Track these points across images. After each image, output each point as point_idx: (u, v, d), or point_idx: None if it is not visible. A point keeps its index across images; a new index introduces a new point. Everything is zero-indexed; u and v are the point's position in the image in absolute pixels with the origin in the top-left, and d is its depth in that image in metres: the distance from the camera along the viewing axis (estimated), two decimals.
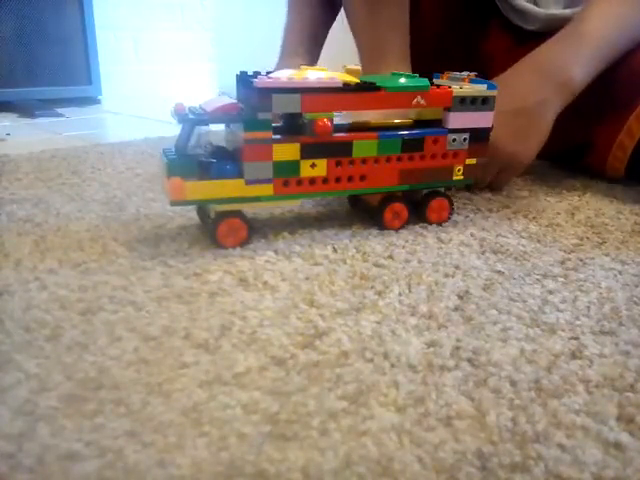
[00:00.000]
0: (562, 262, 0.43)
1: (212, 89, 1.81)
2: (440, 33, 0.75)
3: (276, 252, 0.43)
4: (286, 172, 0.44)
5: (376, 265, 0.42)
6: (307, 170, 0.45)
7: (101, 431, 0.24)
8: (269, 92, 0.41)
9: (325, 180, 0.46)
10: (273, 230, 0.48)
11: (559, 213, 0.55)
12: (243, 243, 0.44)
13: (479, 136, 0.50)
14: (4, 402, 0.26)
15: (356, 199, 0.54)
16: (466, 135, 0.49)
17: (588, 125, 0.65)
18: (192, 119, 0.41)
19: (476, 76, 0.51)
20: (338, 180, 0.46)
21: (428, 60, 0.65)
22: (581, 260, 0.44)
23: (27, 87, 1.34)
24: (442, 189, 0.51)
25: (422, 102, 0.46)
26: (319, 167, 0.45)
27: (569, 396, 0.27)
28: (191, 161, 0.42)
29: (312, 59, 0.92)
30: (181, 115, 0.41)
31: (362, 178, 0.47)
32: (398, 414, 0.26)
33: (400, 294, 0.37)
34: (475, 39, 0.76)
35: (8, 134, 0.98)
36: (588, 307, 0.36)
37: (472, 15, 0.76)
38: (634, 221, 0.53)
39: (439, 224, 0.51)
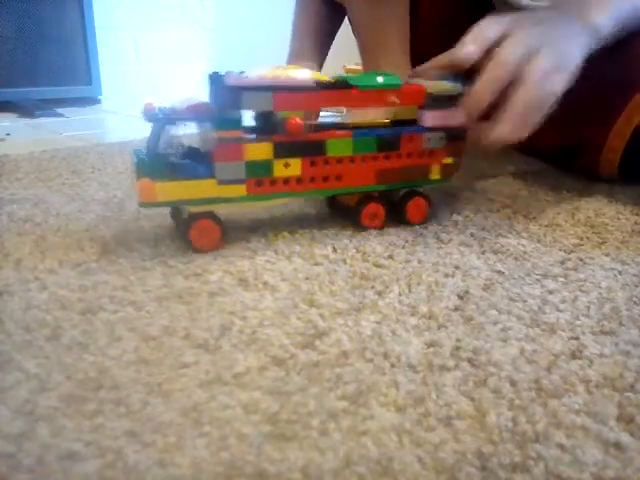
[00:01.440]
0: (562, 262, 0.43)
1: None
2: (437, 30, 0.75)
3: (276, 252, 0.43)
4: (259, 172, 0.43)
5: (376, 265, 0.42)
6: (281, 170, 0.44)
7: (101, 431, 0.24)
8: (239, 90, 0.41)
9: (299, 180, 0.45)
10: (273, 230, 0.48)
11: (559, 213, 0.55)
12: (217, 246, 0.44)
13: (456, 135, 0.49)
14: (4, 402, 0.26)
15: (333, 200, 0.53)
16: (442, 134, 0.48)
17: (579, 126, 0.65)
18: (160, 118, 0.41)
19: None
20: (313, 180, 0.45)
21: (425, 57, 0.65)
22: (581, 260, 0.44)
23: (27, 87, 1.34)
24: (420, 189, 0.51)
25: (396, 100, 0.46)
26: (293, 166, 0.44)
27: (569, 396, 0.27)
28: (161, 161, 0.41)
29: (320, 58, 0.91)
30: (150, 114, 0.41)
31: (338, 178, 0.46)
32: (398, 414, 0.26)
33: (400, 294, 0.37)
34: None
35: (8, 134, 0.98)
36: (588, 307, 0.36)
37: (468, 11, 0.76)
38: (634, 221, 0.53)
39: (421, 224, 0.50)
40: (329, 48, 0.95)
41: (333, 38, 0.95)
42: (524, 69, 0.45)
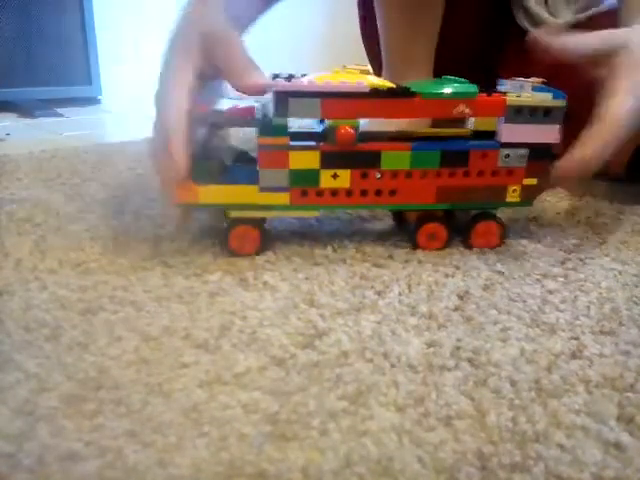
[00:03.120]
0: (562, 262, 0.43)
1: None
2: (463, 45, 0.74)
3: (276, 252, 0.43)
4: (304, 181, 0.41)
5: (376, 265, 0.42)
6: (328, 180, 0.41)
7: (101, 431, 0.24)
8: (286, 96, 0.39)
9: (349, 192, 0.42)
10: (273, 230, 0.48)
11: (559, 213, 0.55)
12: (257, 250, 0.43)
13: (541, 153, 0.43)
14: (4, 402, 0.26)
15: (400, 213, 0.49)
16: (524, 151, 0.43)
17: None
18: (207, 122, 0.40)
19: (543, 83, 0.44)
20: (364, 193, 0.42)
21: (445, 66, 0.65)
22: (581, 260, 0.44)
23: (27, 87, 1.34)
24: (494, 211, 0.45)
25: (467, 111, 0.41)
26: (342, 178, 0.42)
27: (569, 396, 0.27)
28: (205, 164, 0.40)
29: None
30: (198, 116, 0.40)
31: (392, 193, 0.43)
32: (398, 414, 0.26)
33: (400, 294, 0.37)
34: (492, 47, 0.76)
35: (8, 134, 0.98)
36: (588, 307, 0.36)
37: (493, 27, 0.76)
38: (634, 221, 0.53)
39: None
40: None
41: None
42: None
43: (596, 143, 0.41)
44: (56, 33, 1.37)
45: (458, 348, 0.31)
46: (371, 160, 0.42)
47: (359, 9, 0.82)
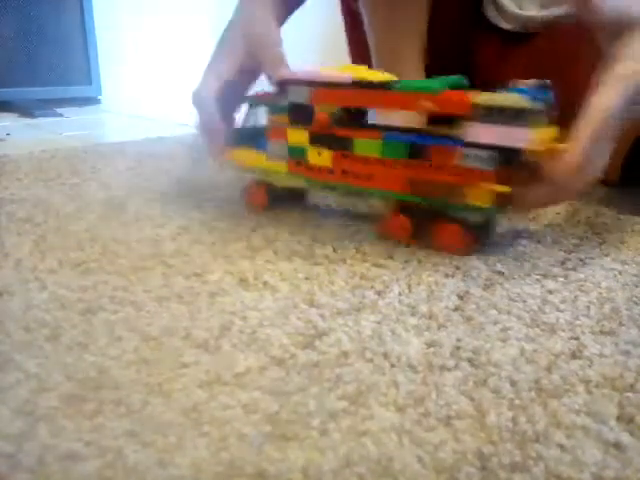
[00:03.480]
0: (562, 262, 0.43)
1: None
2: (449, 42, 0.74)
3: (276, 252, 0.43)
4: (297, 154, 0.49)
5: (376, 265, 0.42)
6: (315, 157, 0.48)
7: (101, 431, 0.24)
8: (286, 84, 0.48)
9: (331, 171, 0.48)
10: (273, 230, 0.48)
11: (559, 213, 0.55)
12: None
13: (511, 158, 0.40)
14: (4, 402, 0.26)
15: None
16: (490, 153, 0.40)
17: None
18: (243, 99, 0.52)
19: (544, 85, 0.40)
20: (344, 174, 0.47)
21: (441, 69, 0.65)
22: (581, 260, 0.44)
23: (27, 87, 1.34)
24: (460, 214, 0.44)
25: (431, 106, 0.42)
26: (325, 157, 0.48)
27: (569, 396, 0.27)
28: (235, 133, 0.52)
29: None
30: (244, 97, 0.52)
31: (368, 177, 0.46)
32: (398, 414, 0.26)
33: (400, 294, 0.37)
34: (468, 44, 0.76)
35: (8, 134, 0.98)
36: (588, 307, 0.36)
37: (470, 21, 0.76)
38: (634, 221, 0.53)
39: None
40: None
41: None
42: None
43: (584, 136, 0.38)
44: (56, 33, 1.37)
45: (458, 348, 0.31)
46: (345, 144, 0.47)
47: (344, 16, 0.82)
